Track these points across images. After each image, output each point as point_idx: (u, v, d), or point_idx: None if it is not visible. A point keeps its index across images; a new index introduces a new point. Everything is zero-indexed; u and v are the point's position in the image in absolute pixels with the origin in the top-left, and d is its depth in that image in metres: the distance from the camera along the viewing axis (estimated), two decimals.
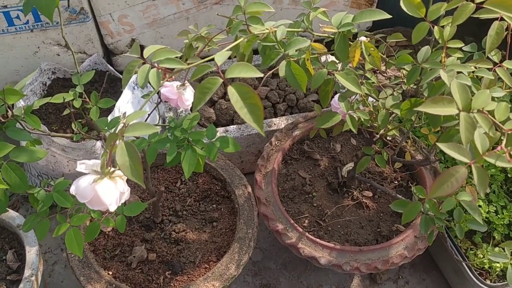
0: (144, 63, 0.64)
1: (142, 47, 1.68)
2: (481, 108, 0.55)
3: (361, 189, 1.32)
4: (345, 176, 1.33)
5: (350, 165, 1.34)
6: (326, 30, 0.74)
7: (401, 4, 0.65)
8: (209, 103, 1.59)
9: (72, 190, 0.64)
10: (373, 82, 0.87)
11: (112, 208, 0.64)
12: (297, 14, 1.71)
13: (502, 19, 0.70)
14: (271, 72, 0.73)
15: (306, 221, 1.26)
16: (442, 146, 0.48)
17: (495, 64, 0.77)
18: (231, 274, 1.14)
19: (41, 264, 1.16)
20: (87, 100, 0.94)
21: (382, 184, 1.33)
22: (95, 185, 0.62)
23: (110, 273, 1.17)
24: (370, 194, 1.31)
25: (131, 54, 0.65)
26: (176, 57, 0.62)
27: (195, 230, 1.26)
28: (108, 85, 1.62)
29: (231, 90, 0.56)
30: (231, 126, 1.51)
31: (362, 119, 0.87)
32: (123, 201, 0.67)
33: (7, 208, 1.21)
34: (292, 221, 1.21)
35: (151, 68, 0.62)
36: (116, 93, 1.62)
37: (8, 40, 1.51)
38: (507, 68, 0.76)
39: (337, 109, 1.01)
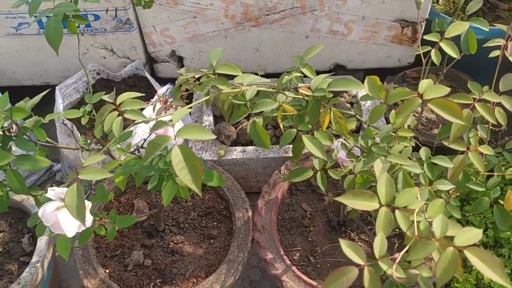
0: (114, 109, 0.70)
1: (181, 59, 1.78)
2: (405, 206, 0.55)
3: (359, 231, 1.32)
4: (346, 215, 1.33)
5: None
6: (302, 92, 0.76)
7: (365, 83, 0.66)
8: None
9: (40, 213, 0.72)
10: (352, 147, 0.88)
11: (70, 235, 0.71)
12: (335, 44, 1.72)
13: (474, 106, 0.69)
14: (242, 126, 0.77)
15: (297, 254, 1.29)
16: (342, 242, 0.50)
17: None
18: None
19: (49, 252, 1.28)
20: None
21: None
22: (57, 212, 0.70)
23: (107, 271, 1.27)
24: (367, 238, 1.30)
25: (106, 99, 0.72)
26: (141, 109, 0.68)
27: (192, 244, 1.33)
28: (144, 91, 1.73)
29: (175, 151, 0.61)
30: (249, 147, 1.56)
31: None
32: (84, 228, 0.74)
33: (29, 196, 1.36)
34: (282, 252, 1.24)
35: (118, 116, 0.69)
36: (152, 99, 1.73)
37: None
38: (485, 154, 0.75)
39: (344, 161, 1.02)
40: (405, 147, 0.66)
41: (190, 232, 1.36)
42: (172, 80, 1.79)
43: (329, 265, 1.27)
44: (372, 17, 1.63)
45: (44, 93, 1.01)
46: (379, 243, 0.50)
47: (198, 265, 1.29)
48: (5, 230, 1.35)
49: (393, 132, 0.67)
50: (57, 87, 1.55)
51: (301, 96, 0.79)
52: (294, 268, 1.22)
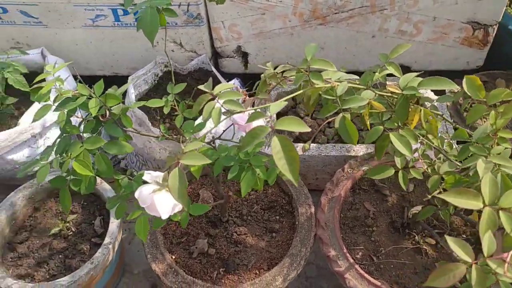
0: (212, 99, 0.73)
1: (246, 55, 1.81)
2: (509, 207, 0.55)
3: (424, 235, 1.30)
4: (410, 217, 1.32)
5: (418, 208, 1.33)
6: (390, 90, 0.77)
7: (463, 83, 0.66)
8: None
9: (136, 194, 0.76)
10: (433, 146, 0.87)
11: (164, 217, 0.75)
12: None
13: None
14: (328, 121, 0.78)
15: (360, 253, 1.29)
16: (448, 239, 0.51)
17: None
18: (276, 286, 1.22)
19: (119, 235, 1.34)
20: (176, 108, 1.07)
21: (449, 235, 1.29)
22: (153, 195, 0.73)
23: (173, 257, 1.31)
24: (433, 242, 1.29)
25: (204, 89, 0.75)
26: (238, 99, 0.70)
27: (255, 236, 1.36)
28: None
29: (274, 141, 0.63)
30: (311, 144, 1.57)
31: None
32: (176, 211, 0.77)
33: (102, 180, 1.42)
34: (345, 250, 1.25)
35: (216, 105, 0.71)
36: None
37: (133, 33, 1.72)
38: None
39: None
40: (506, 148, 0.65)
41: (253, 224, 1.38)
42: (235, 75, 1.82)
43: (392, 266, 1.26)
44: (443, 18, 1.60)
45: (130, 83, 1.06)
46: (487, 242, 0.50)
47: (260, 257, 1.31)
48: (78, 212, 1.42)
49: (490, 133, 0.66)
50: (129, 78, 1.61)
51: (388, 94, 0.79)
52: (357, 266, 1.22)
